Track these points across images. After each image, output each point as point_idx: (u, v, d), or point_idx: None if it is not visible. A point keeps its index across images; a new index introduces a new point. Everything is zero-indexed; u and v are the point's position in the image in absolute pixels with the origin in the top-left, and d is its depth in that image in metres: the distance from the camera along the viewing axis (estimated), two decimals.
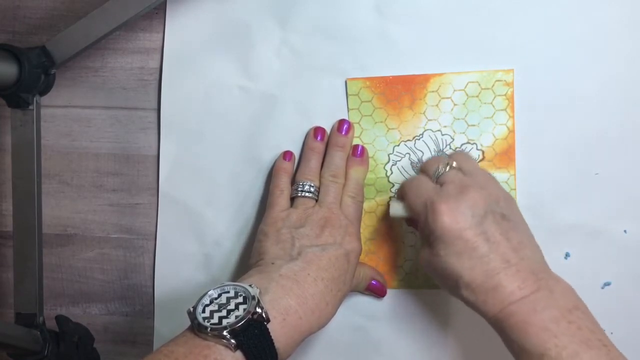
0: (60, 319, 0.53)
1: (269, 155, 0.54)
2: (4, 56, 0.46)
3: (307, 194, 0.50)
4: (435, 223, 0.42)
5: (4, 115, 0.58)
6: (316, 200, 0.50)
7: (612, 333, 0.51)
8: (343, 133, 0.52)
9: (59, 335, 0.52)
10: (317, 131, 0.52)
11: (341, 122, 0.52)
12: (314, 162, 0.52)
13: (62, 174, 0.58)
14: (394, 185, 0.53)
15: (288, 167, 0.53)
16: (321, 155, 0.52)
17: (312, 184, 0.51)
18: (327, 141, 0.53)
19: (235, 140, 0.54)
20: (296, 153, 0.54)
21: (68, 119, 0.57)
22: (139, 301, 0.58)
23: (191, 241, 0.56)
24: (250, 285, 0.40)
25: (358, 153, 0.52)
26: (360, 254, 0.49)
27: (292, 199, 0.51)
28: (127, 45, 0.56)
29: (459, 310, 0.53)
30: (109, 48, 0.56)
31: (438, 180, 0.45)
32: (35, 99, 0.49)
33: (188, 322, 0.39)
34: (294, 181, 0.52)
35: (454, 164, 0.46)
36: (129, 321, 0.58)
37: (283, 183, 0.52)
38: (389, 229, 0.53)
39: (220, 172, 0.55)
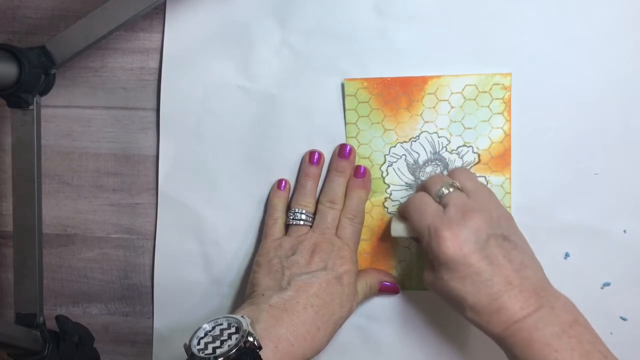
0: (60, 319, 0.53)
1: (268, 155, 0.54)
2: (4, 56, 0.46)
3: (299, 222, 0.51)
4: (439, 249, 0.42)
5: (4, 115, 0.58)
6: (311, 227, 0.51)
7: (611, 333, 0.51)
8: (344, 157, 0.52)
9: (59, 335, 0.52)
10: (312, 155, 0.52)
11: (342, 146, 0.52)
12: (308, 187, 0.52)
13: (62, 174, 0.58)
14: (389, 186, 0.53)
15: (282, 195, 0.53)
16: (317, 180, 0.52)
17: (305, 211, 0.51)
18: (326, 164, 0.53)
19: (234, 140, 0.54)
20: (294, 153, 0.54)
21: (68, 119, 0.57)
22: (139, 301, 0.58)
23: (191, 241, 0.56)
24: (242, 316, 0.42)
25: (360, 174, 0.52)
26: (354, 275, 0.49)
27: (288, 227, 0.52)
28: (127, 45, 0.56)
29: (454, 310, 0.53)
30: (109, 48, 0.56)
31: (441, 201, 0.45)
32: (35, 99, 0.49)
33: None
34: (289, 208, 0.52)
35: (457, 184, 0.46)
36: (129, 321, 0.58)
37: (277, 212, 0.52)
38: (384, 230, 0.53)
39: (220, 172, 0.55)
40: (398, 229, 0.48)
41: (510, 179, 0.51)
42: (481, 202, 0.45)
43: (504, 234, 0.43)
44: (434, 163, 0.52)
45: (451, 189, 0.46)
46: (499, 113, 0.51)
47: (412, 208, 0.46)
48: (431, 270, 0.45)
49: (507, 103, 0.51)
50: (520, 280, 0.41)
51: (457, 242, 0.42)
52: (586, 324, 0.41)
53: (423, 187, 0.49)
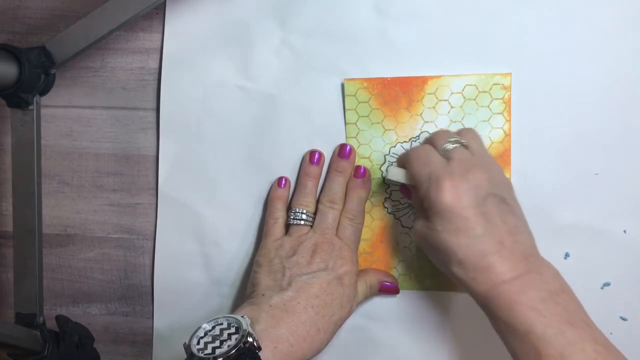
0: (60, 319, 0.53)
1: (268, 155, 0.54)
2: (4, 56, 0.46)
3: (300, 222, 0.51)
4: (437, 198, 0.42)
5: (4, 115, 0.58)
6: (311, 227, 0.51)
7: (611, 333, 0.50)
8: (344, 157, 0.52)
9: (59, 335, 0.52)
10: (312, 155, 0.52)
11: (342, 146, 0.52)
12: (309, 187, 0.52)
13: (62, 174, 0.58)
14: (389, 186, 0.53)
15: (282, 194, 0.53)
16: (317, 179, 0.52)
17: (306, 211, 0.51)
18: (326, 163, 0.53)
19: (234, 140, 0.54)
20: (294, 153, 0.54)
21: (68, 119, 0.57)
22: (139, 301, 0.58)
23: (191, 241, 0.56)
24: (242, 316, 0.42)
25: (360, 174, 0.52)
26: (355, 275, 0.49)
27: (288, 226, 0.52)
28: (127, 45, 0.56)
29: (453, 310, 0.53)
30: (109, 48, 0.56)
31: (445, 154, 0.45)
32: (35, 99, 0.49)
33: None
34: (290, 208, 0.52)
35: (463, 141, 0.46)
36: (129, 321, 0.58)
37: (277, 211, 0.52)
38: (384, 230, 0.53)
39: (219, 172, 0.55)
40: (395, 174, 0.48)
41: (510, 179, 0.51)
42: (485, 162, 0.45)
43: (503, 196, 0.43)
44: None
45: (457, 145, 0.46)
46: (499, 113, 0.51)
47: (414, 156, 0.46)
48: (424, 220, 0.44)
49: (507, 103, 0.51)
50: (512, 243, 0.41)
51: (457, 192, 0.42)
52: (572, 294, 0.41)
53: (429, 140, 0.48)
